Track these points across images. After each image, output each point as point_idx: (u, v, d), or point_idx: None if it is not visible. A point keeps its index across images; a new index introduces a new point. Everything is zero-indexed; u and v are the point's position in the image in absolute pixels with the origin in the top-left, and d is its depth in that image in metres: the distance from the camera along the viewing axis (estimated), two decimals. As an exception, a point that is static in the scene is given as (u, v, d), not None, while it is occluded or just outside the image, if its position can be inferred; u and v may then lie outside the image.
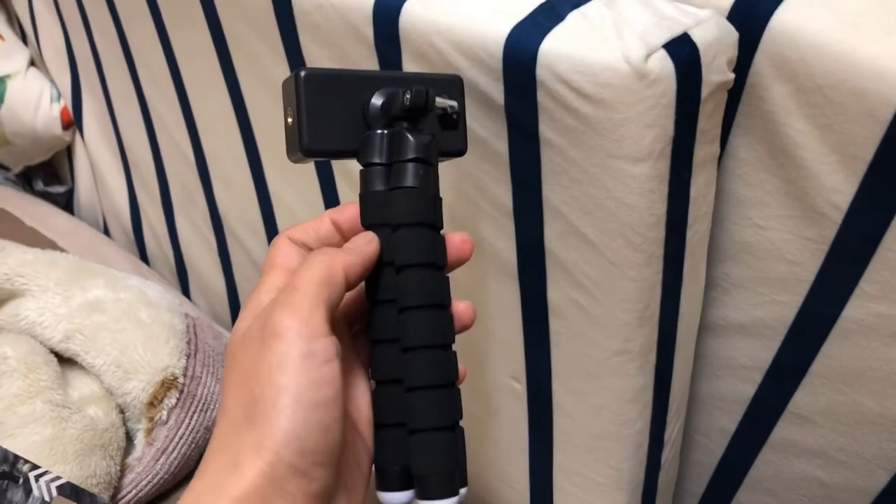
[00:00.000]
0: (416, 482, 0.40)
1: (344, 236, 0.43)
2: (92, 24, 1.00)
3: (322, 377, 0.36)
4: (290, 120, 0.42)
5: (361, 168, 0.43)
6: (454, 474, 0.40)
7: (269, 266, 0.41)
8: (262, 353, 0.36)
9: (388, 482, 0.41)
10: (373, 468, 0.42)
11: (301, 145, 0.41)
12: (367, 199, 0.43)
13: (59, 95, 1.20)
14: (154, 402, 0.71)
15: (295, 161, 0.43)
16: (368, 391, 0.43)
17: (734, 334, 0.61)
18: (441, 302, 0.42)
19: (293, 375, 0.35)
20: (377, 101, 0.43)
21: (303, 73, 0.41)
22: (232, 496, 0.34)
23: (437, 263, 0.42)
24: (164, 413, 0.71)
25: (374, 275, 0.42)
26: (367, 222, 0.43)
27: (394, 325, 0.41)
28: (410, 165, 0.41)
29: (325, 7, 0.58)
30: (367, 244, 0.41)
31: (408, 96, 0.42)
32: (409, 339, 0.40)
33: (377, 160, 0.42)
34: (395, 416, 0.41)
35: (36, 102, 1.19)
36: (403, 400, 0.41)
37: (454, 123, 0.46)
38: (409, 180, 0.41)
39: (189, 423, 0.72)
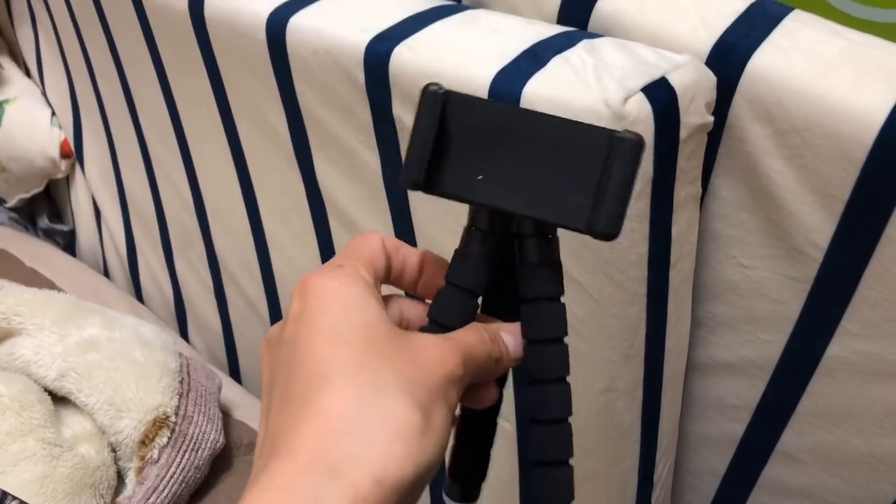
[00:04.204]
0: None
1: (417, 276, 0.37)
2: (95, 69, 1.02)
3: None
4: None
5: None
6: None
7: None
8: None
9: None
10: None
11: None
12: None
13: (60, 125, 1.21)
14: (146, 441, 0.71)
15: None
16: None
17: (721, 373, 0.61)
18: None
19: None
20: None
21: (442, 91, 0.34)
22: None
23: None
24: (156, 452, 0.71)
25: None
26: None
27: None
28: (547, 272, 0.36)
29: (320, 53, 0.60)
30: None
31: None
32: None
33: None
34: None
35: (34, 127, 1.20)
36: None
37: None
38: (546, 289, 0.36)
39: (180, 462, 0.72)
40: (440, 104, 0.34)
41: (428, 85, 0.34)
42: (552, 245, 0.35)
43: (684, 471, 0.68)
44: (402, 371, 0.29)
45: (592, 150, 0.31)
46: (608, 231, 0.31)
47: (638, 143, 0.31)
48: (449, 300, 0.35)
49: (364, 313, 0.30)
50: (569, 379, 0.35)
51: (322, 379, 0.28)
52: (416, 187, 0.34)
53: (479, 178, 0.34)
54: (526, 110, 0.34)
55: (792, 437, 0.59)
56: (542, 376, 0.35)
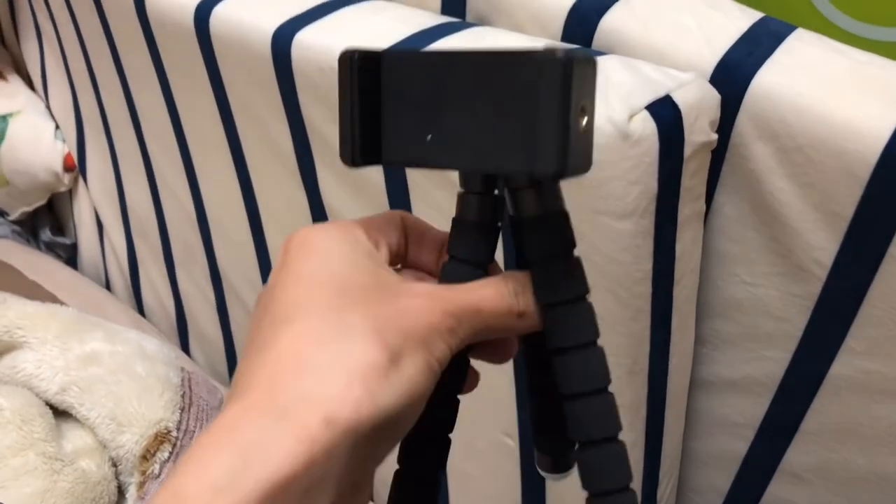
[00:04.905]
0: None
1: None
2: (99, 83, 1.03)
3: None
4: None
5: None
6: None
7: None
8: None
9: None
10: None
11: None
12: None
13: (64, 138, 1.22)
14: (147, 456, 0.71)
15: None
16: None
17: (725, 391, 0.61)
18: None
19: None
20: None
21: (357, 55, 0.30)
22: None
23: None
24: (157, 467, 0.71)
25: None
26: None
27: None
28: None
29: (325, 69, 0.61)
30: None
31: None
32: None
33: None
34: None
35: (38, 140, 1.21)
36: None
37: None
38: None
39: (181, 477, 0.72)
40: (356, 69, 0.30)
41: (343, 51, 0.30)
42: (550, 194, 0.31)
43: (688, 489, 0.68)
44: (376, 313, 0.27)
45: (525, 82, 0.27)
46: (549, 169, 0.26)
47: (565, 61, 0.26)
48: (451, 276, 0.32)
49: (345, 264, 0.28)
50: (601, 343, 0.31)
51: (286, 320, 0.27)
52: (353, 163, 0.31)
53: (424, 138, 0.30)
54: (456, 52, 0.29)
55: (796, 456, 0.58)
56: (564, 343, 0.30)
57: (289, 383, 0.25)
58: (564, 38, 0.56)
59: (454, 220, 0.32)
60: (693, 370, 0.61)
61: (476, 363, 0.65)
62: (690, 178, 0.50)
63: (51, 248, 1.35)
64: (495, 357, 0.33)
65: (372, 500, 0.32)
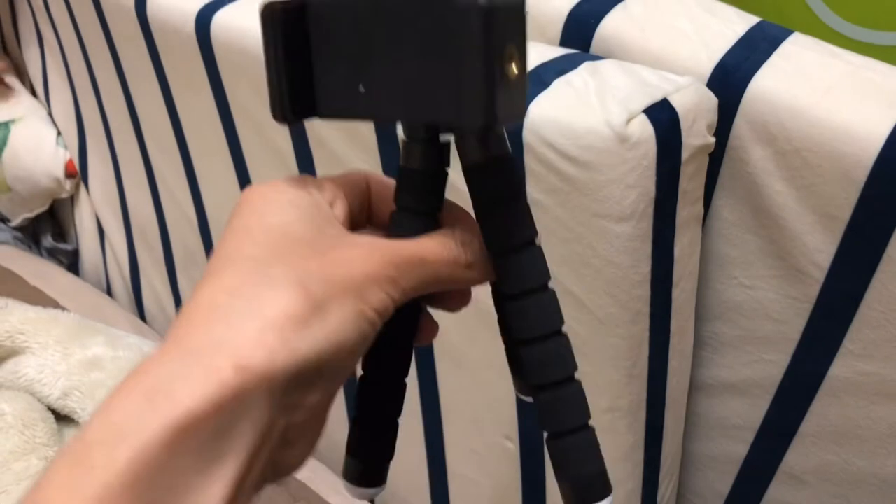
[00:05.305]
0: (569, 486, 0.31)
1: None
2: (101, 90, 1.03)
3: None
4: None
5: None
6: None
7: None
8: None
9: None
10: None
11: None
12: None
13: (65, 145, 1.22)
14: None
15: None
16: None
17: (725, 394, 0.61)
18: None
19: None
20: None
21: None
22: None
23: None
24: (158, 471, 0.71)
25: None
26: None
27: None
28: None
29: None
30: None
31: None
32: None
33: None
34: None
35: (39, 146, 1.21)
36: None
37: None
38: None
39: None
40: (279, 22, 0.28)
41: (263, 4, 0.29)
42: (493, 140, 0.29)
43: (688, 491, 0.68)
44: (302, 264, 0.26)
45: (449, 31, 0.26)
46: (477, 122, 0.26)
47: (487, 9, 0.24)
48: (399, 226, 0.31)
49: (286, 217, 0.28)
50: (552, 285, 0.30)
51: (213, 273, 0.26)
52: (284, 120, 0.29)
53: (356, 90, 0.28)
54: None
55: (796, 458, 0.59)
56: (515, 290, 0.29)
57: (200, 331, 0.24)
58: (563, 43, 0.57)
59: (399, 169, 0.31)
60: (692, 373, 0.62)
61: (474, 369, 0.65)
62: (688, 182, 0.50)
63: (52, 254, 1.35)
64: (449, 305, 0.32)
65: None
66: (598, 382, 0.55)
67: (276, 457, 0.26)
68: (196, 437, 0.23)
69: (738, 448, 0.62)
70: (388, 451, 0.34)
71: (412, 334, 0.33)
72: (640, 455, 0.59)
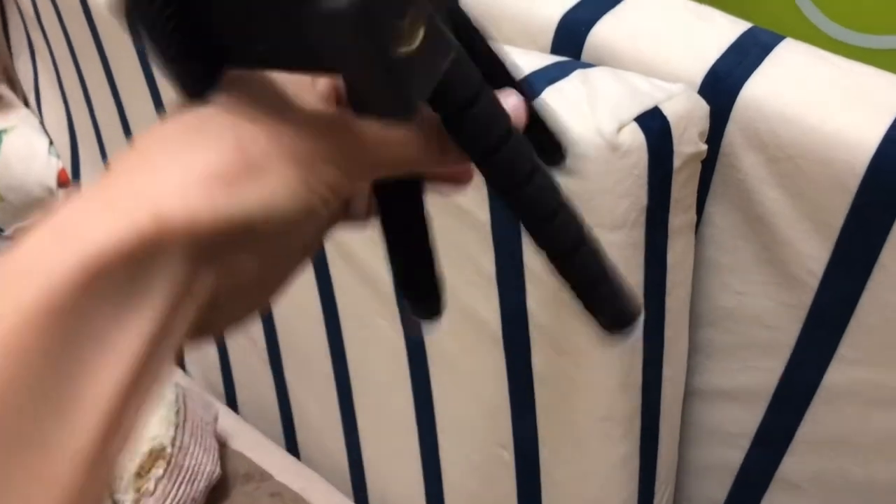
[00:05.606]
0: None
1: None
2: (93, 99, 1.03)
3: None
4: None
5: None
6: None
7: None
8: None
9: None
10: None
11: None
12: None
13: (58, 154, 1.22)
14: (141, 473, 0.71)
15: None
16: None
17: (720, 401, 0.61)
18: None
19: None
20: None
21: None
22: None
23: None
24: (151, 484, 0.71)
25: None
26: None
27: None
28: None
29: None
30: None
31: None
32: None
33: None
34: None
35: (32, 156, 1.21)
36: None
37: None
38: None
39: (176, 494, 0.72)
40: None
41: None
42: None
43: (684, 499, 0.68)
44: (247, 125, 0.24)
45: (326, 42, 0.23)
46: (398, 115, 0.25)
47: (355, 17, 0.21)
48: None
49: (253, 87, 0.26)
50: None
51: (157, 124, 0.25)
52: (193, 97, 0.26)
53: (259, 41, 0.25)
54: None
55: (792, 465, 0.58)
56: (466, 95, 0.26)
57: (122, 179, 0.23)
58: (554, 51, 0.57)
59: None
60: (687, 380, 0.61)
61: (469, 378, 0.65)
62: (680, 189, 0.50)
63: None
64: (443, 189, 0.31)
65: None
66: (593, 392, 0.54)
67: (204, 318, 0.24)
68: (109, 281, 0.21)
69: (734, 455, 0.62)
70: (435, 281, 0.34)
71: (414, 209, 0.33)
72: (635, 463, 0.59)
